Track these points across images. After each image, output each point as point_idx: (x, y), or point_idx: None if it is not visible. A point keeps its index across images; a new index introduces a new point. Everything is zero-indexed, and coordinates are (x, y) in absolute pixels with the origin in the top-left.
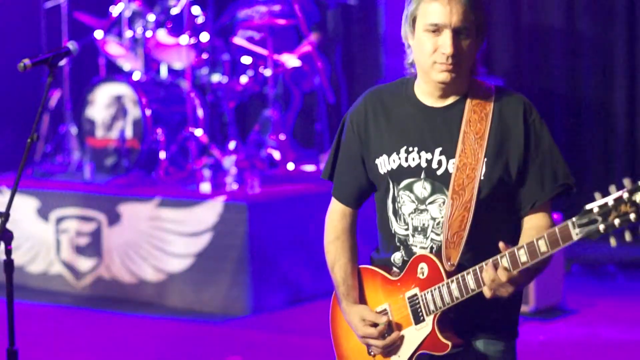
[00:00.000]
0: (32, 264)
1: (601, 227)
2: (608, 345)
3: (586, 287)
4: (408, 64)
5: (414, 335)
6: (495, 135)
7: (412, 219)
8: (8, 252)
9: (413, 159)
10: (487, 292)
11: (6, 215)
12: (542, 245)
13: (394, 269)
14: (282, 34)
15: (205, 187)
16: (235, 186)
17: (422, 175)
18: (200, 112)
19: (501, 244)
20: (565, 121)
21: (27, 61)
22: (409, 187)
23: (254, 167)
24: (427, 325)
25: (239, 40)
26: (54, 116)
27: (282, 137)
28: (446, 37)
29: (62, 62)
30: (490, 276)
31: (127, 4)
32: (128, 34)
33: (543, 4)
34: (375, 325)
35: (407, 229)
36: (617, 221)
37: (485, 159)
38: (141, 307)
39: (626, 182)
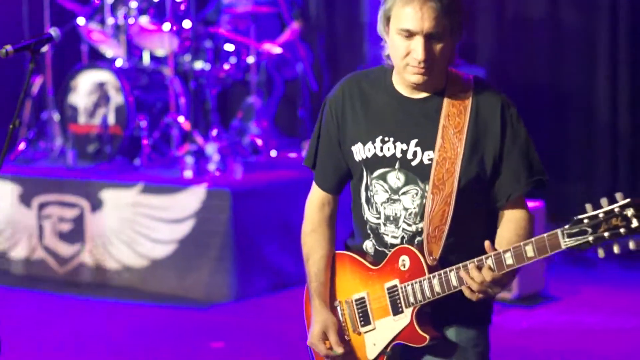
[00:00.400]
0: (15, 250)
1: (591, 238)
2: (590, 332)
3: (568, 274)
4: (385, 55)
5: (391, 325)
6: (474, 129)
7: (384, 208)
8: None
9: (388, 149)
10: (468, 293)
11: None
12: (530, 251)
13: (368, 257)
14: (265, 21)
15: (188, 173)
16: (217, 173)
17: (397, 166)
18: (182, 99)
19: (487, 244)
20: (547, 110)
21: (9, 47)
22: (383, 177)
23: (237, 154)
24: (406, 317)
25: (223, 30)
26: (36, 102)
27: (264, 124)
28: (418, 43)
29: (45, 49)
30: (477, 278)
31: None
32: (110, 20)
33: None
34: (327, 345)
35: (378, 218)
36: (606, 234)
37: (464, 153)
38: (124, 293)
39: (618, 196)
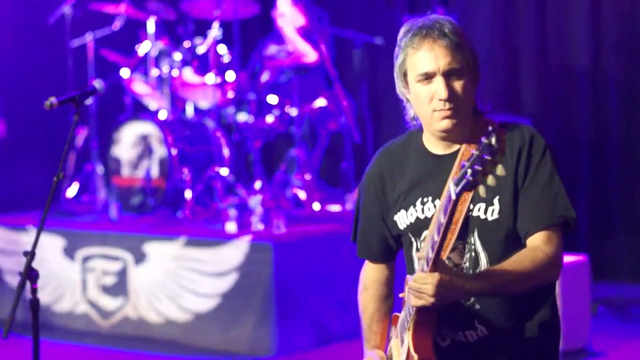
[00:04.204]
0: (58, 303)
1: (468, 175)
2: None
3: (613, 329)
4: (410, 118)
5: None
6: None
7: None
8: (34, 291)
9: (429, 209)
10: (412, 300)
11: (32, 254)
12: (441, 217)
13: None
14: (308, 72)
15: (231, 226)
16: (261, 226)
17: None
18: (226, 152)
19: (418, 254)
20: (591, 161)
21: (53, 99)
22: None
23: (280, 206)
24: (406, 344)
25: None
26: (80, 155)
27: (307, 176)
28: (439, 83)
29: (89, 101)
30: (411, 281)
31: (154, 43)
32: (154, 72)
33: (569, 45)
34: None
35: None
36: (479, 167)
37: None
38: (167, 347)
39: (489, 128)
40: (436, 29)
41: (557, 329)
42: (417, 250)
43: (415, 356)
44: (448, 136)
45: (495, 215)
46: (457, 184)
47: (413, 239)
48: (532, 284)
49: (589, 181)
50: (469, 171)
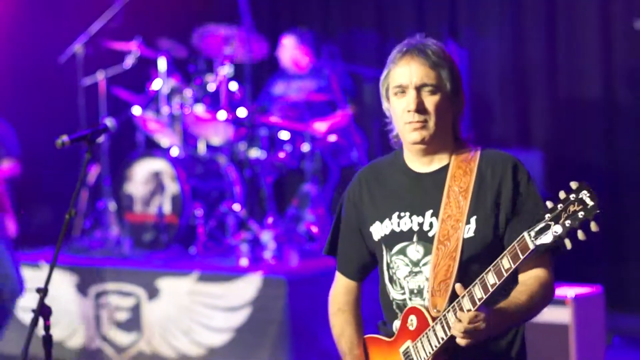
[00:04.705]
0: (72, 339)
1: (554, 230)
2: None
3: (629, 357)
4: (394, 136)
5: None
6: (480, 189)
7: (407, 282)
8: (47, 327)
9: (405, 223)
10: (459, 340)
11: (45, 290)
12: (506, 263)
13: (389, 333)
14: (318, 109)
15: (244, 261)
16: (273, 261)
17: (415, 239)
18: (238, 187)
19: (457, 286)
20: (604, 192)
21: (65, 138)
22: (402, 251)
23: (293, 241)
24: None
25: (274, 118)
26: (93, 192)
27: (320, 211)
28: (409, 95)
29: (100, 139)
30: (456, 322)
31: (165, 80)
32: (166, 110)
33: (580, 75)
34: None
35: (403, 293)
36: (568, 222)
37: (470, 211)
38: None
39: (572, 184)
40: (417, 48)
41: (522, 351)
42: (388, 265)
43: None
44: (423, 150)
45: (471, 234)
46: (536, 236)
47: (385, 252)
48: (541, 309)
49: (602, 212)
50: (556, 230)
